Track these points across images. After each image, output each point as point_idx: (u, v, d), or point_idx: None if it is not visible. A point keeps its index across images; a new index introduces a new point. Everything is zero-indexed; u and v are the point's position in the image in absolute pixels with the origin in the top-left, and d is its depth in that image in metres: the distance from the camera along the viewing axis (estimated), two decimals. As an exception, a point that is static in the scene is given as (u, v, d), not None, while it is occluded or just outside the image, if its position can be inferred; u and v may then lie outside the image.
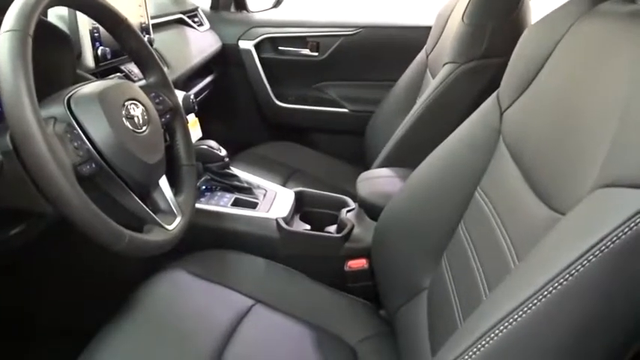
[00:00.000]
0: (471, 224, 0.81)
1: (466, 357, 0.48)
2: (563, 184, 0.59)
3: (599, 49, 0.64)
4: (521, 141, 0.74)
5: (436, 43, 1.55)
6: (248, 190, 1.20)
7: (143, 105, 0.75)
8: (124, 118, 0.71)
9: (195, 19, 1.77)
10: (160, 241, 0.72)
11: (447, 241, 0.87)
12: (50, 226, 0.75)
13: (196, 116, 1.42)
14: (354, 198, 1.18)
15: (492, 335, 0.47)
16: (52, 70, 0.82)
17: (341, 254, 1.07)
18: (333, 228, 1.16)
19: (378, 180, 1.14)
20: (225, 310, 0.91)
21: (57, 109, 0.66)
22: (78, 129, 0.65)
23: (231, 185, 1.19)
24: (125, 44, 0.81)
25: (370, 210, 1.08)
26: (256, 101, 1.98)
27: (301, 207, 1.24)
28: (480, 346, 0.47)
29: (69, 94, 0.68)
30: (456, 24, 1.29)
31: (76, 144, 0.64)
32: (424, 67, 1.60)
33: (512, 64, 0.84)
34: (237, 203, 1.15)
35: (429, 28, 1.66)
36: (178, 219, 0.80)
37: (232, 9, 2.00)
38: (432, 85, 1.26)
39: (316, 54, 1.92)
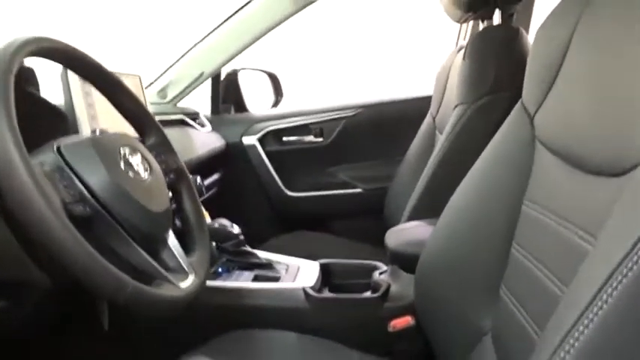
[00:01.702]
0: (527, 239, 0.71)
1: None
2: (621, 151, 0.52)
3: (625, 17, 0.59)
4: (561, 135, 0.68)
5: (440, 104, 1.53)
6: (268, 266, 1.09)
7: (141, 153, 0.69)
8: (121, 162, 0.64)
9: (197, 121, 1.78)
10: (171, 297, 0.61)
11: (502, 269, 0.75)
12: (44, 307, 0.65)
13: (206, 210, 1.35)
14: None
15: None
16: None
17: (381, 316, 0.94)
18: (367, 294, 1.04)
19: (408, 230, 1.04)
20: None
21: (45, 156, 0.59)
22: (69, 171, 0.58)
23: (250, 263, 1.09)
24: (119, 105, 0.77)
25: (405, 262, 0.97)
26: (266, 194, 1.92)
27: (329, 279, 1.12)
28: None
29: (59, 143, 0.62)
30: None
31: (65, 183, 0.56)
32: (433, 130, 1.56)
33: (530, 65, 0.79)
34: (257, 279, 1.04)
35: (429, 97, 1.66)
36: (191, 277, 0.69)
37: (232, 112, 2.03)
38: (445, 131, 1.21)
39: (321, 139, 1.90)
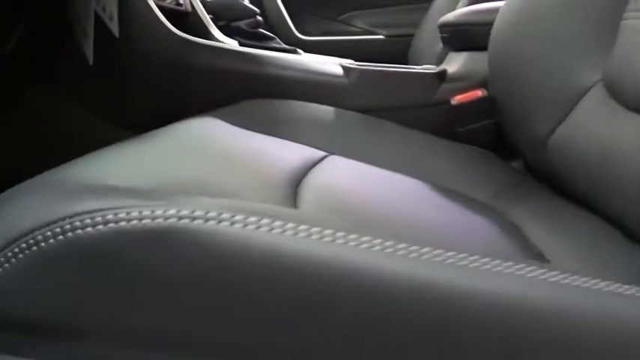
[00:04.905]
0: None
1: None
2: None
3: None
4: None
5: None
6: (293, 51, 0.89)
7: None
8: None
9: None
10: None
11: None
12: None
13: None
14: None
15: None
16: None
17: (440, 95, 0.76)
18: (422, 70, 0.84)
19: (471, 7, 0.83)
20: (286, 157, 0.58)
21: None
22: None
23: (269, 48, 0.88)
24: None
25: (471, 34, 0.77)
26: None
27: None
28: None
29: None
30: None
31: None
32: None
33: None
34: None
35: None
36: None
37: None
38: None
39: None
